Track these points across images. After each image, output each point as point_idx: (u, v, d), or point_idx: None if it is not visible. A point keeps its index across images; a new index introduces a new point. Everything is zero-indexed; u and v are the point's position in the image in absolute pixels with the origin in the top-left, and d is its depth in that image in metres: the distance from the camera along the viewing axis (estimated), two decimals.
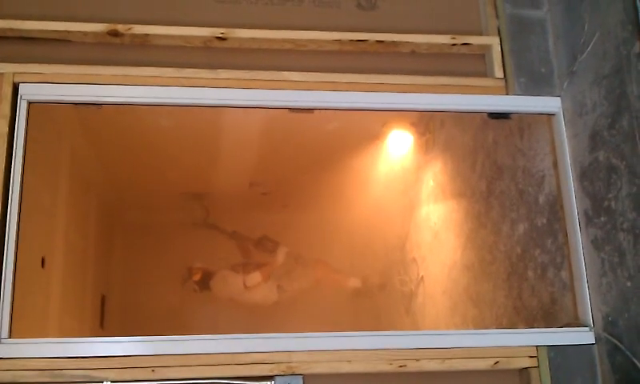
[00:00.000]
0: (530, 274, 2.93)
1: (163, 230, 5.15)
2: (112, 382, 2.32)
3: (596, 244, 2.48)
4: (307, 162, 4.66)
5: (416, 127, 4.22)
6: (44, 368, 2.29)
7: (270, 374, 2.36)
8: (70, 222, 4.16)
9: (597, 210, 2.48)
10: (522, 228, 3.02)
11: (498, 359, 2.44)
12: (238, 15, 2.73)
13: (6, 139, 2.45)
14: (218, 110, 2.89)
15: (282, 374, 2.36)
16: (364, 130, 4.32)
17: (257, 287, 5.14)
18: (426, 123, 4.09)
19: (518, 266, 3.03)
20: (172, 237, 5.12)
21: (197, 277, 5.18)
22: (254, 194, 4.97)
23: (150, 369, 2.32)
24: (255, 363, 2.36)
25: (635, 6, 2.27)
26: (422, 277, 4.21)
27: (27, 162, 2.52)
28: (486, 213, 3.35)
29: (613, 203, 2.39)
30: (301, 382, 2.37)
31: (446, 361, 2.42)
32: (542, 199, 2.85)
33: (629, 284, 2.30)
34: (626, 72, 2.34)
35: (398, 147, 4.40)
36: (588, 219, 2.53)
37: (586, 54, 2.56)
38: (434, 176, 4.04)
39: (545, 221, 2.82)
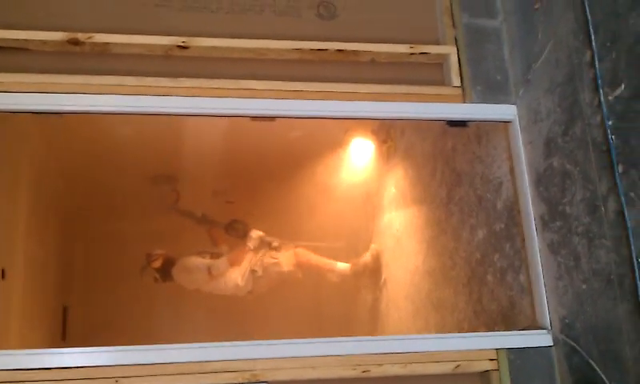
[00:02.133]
0: (490, 278, 2.99)
1: (125, 237, 5.08)
2: None
3: (552, 248, 2.55)
4: (271, 170, 4.69)
5: (377, 135, 4.27)
6: (6, 380, 2.26)
7: (235, 382, 2.37)
8: (30, 233, 4.11)
9: (552, 215, 2.54)
10: (481, 233, 3.08)
11: (459, 363, 2.48)
12: (200, 24, 2.74)
13: None
14: (180, 119, 2.89)
15: (246, 381, 2.37)
16: (326, 138, 4.36)
17: (225, 276, 4.68)
18: (387, 130, 4.15)
19: (478, 271, 3.09)
20: (135, 242, 5.03)
21: (157, 264, 4.74)
22: (218, 203, 4.96)
23: (113, 379, 2.31)
24: (219, 372, 2.36)
25: (585, 15, 2.35)
26: (385, 281, 4.26)
27: None
28: (447, 219, 3.41)
29: (567, 208, 2.45)
30: None
31: (408, 365, 2.46)
32: (499, 205, 2.91)
33: (584, 287, 2.36)
34: (578, 80, 2.41)
35: (360, 155, 4.45)
36: (544, 224, 2.60)
37: (540, 62, 2.64)
38: (396, 183, 4.10)
39: (503, 226, 2.89)
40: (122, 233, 5.11)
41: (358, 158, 4.46)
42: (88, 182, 4.76)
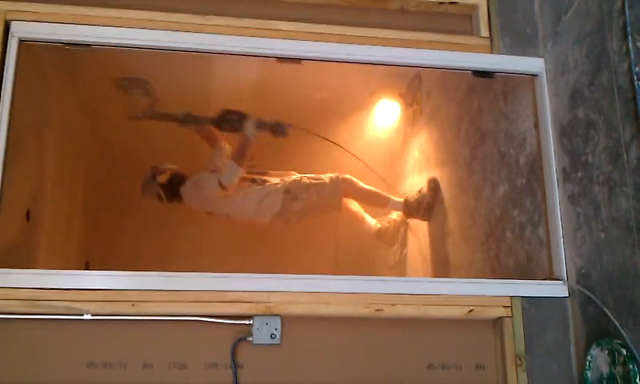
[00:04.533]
0: (508, 234, 2.98)
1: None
2: (92, 314, 2.35)
3: (573, 199, 2.53)
4: (293, 130, 4.53)
5: (404, 98, 4.25)
6: (27, 298, 2.32)
7: (249, 313, 2.40)
8: (57, 181, 4.14)
9: (574, 166, 2.53)
10: (502, 190, 3.07)
11: (472, 308, 2.49)
12: None
13: None
14: (207, 57, 2.91)
15: (260, 313, 2.40)
16: (351, 100, 4.33)
17: (241, 186, 3.97)
18: (414, 94, 4.13)
19: (497, 228, 3.08)
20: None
21: (163, 178, 4.09)
22: None
23: (129, 303, 2.36)
24: (234, 302, 2.40)
25: None
26: (406, 252, 4.21)
27: (16, 104, 2.54)
28: (468, 178, 3.39)
29: (590, 157, 2.44)
30: (279, 321, 2.41)
31: (422, 307, 2.47)
32: (522, 160, 2.90)
33: (602, 236, 2.35)
34: (607, 29, 2.38)
35: (385, 118, 4.43)
36: (565, 175, 2.58)
37: (569, 13, 2.61)
38: (420, 146, 4.08)
39: (524, 181, 2.87)
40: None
41: (383, 121, 4.43)
42: (119, 139, 4.72)
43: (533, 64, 2.77)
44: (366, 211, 4.28)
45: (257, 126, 3.92)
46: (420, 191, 3.89)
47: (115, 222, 5.33)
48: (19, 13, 2.57)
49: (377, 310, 2.44)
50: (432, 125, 3.94)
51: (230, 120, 3.92)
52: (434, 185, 3.80)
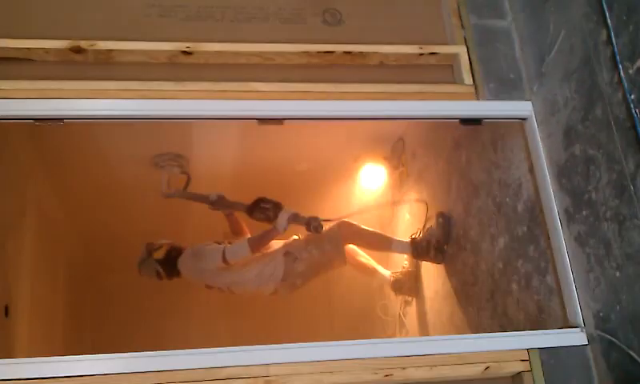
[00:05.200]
0: (514, 286, 2.83)
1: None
2: None
3: (580, 240, 2.41)
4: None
5: (389, 161, 4.17)
6: None
7: None
8: (36, 273, 3.97)
9: (578, 205, 2.42)
10: (502, 241, 2.94)
11: (488, 364, 2.31)
12: (204, 32, 2.69)
13: None
14: (186, 125, 2.81)
15: None
16: (335, 168, 4.24)
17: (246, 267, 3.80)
18: (399, 156, 4.04)
19: (502, 282, 2.94)
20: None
21: (160, 254, 3.90)
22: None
23: None
24: (231, 378, 2.20)
25: None
26: (403, 313, 4.02)
27: None
28: (465, 234, 3.27)
29: (593, 194, 2.33)
30: None
31: (434, 368, 2.29)
32: (520, 207, 2.79)
33: (618, 274, 2.22)
34: (595, 62, 2.33)
35: (371, 182, 4.33)
36: (569, 216, 2.47)
37: (553, 52, 2.57)
38: (410, 209, 3.97)
39: (525, 229, 2.76)
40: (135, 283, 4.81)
41: (370, 186, 4.33)
42: (94, 221, 4.57)
43: (521, 107, 2.69)
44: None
45: (291, 220, 3.75)
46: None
47: (100, 311, 5.11)
48: None
49: (386, 376, 2.25)
50: (421, 185, 3.82)
51: (263, 209, 3.77)
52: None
